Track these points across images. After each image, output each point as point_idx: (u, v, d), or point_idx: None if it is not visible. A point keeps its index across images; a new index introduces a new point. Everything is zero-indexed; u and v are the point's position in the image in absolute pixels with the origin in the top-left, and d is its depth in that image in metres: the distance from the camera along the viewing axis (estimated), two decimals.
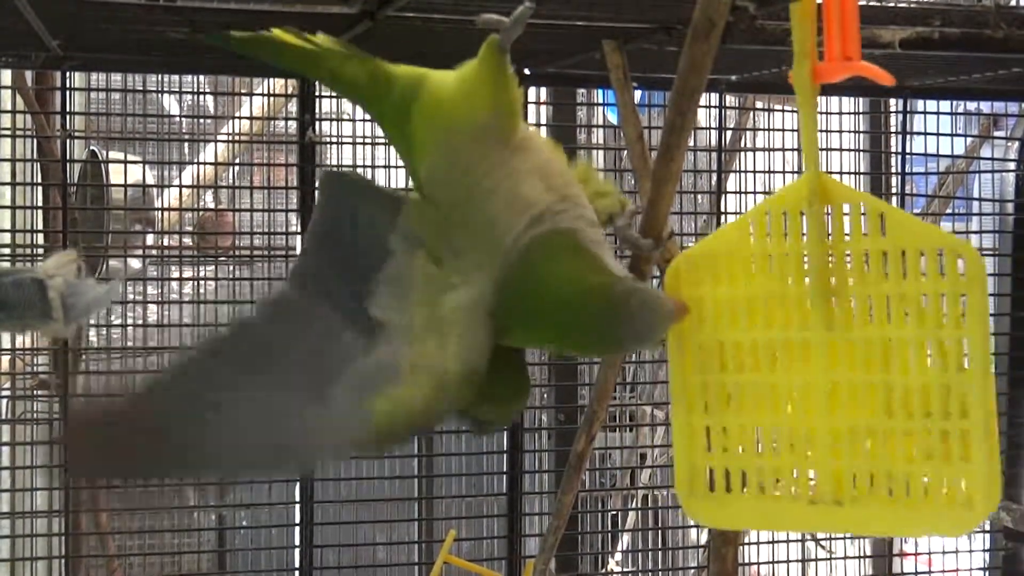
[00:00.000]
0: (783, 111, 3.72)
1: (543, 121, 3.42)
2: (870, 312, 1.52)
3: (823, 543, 3.77)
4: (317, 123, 2.86)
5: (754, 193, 3.49)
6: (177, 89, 4.72)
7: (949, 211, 3.94)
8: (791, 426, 1.55)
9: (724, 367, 1.57)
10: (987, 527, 3.54)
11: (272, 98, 4.44)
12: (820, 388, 1.54)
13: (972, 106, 3.81)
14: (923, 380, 1.50)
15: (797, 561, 3.72)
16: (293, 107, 3.19)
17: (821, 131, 3.31)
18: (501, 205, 1.54)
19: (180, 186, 4.61)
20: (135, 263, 3.36)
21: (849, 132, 3.54)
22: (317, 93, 2.89)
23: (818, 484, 1.55)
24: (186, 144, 5.05)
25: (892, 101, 3.49)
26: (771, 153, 3.68)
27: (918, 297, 1.49)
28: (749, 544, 3.56)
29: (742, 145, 4.05)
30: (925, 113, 3.40)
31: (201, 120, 5.20)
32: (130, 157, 3.81)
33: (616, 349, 1.67)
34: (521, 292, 1.54)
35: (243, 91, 4.21)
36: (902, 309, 1.49)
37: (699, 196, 3.63)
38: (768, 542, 3.67)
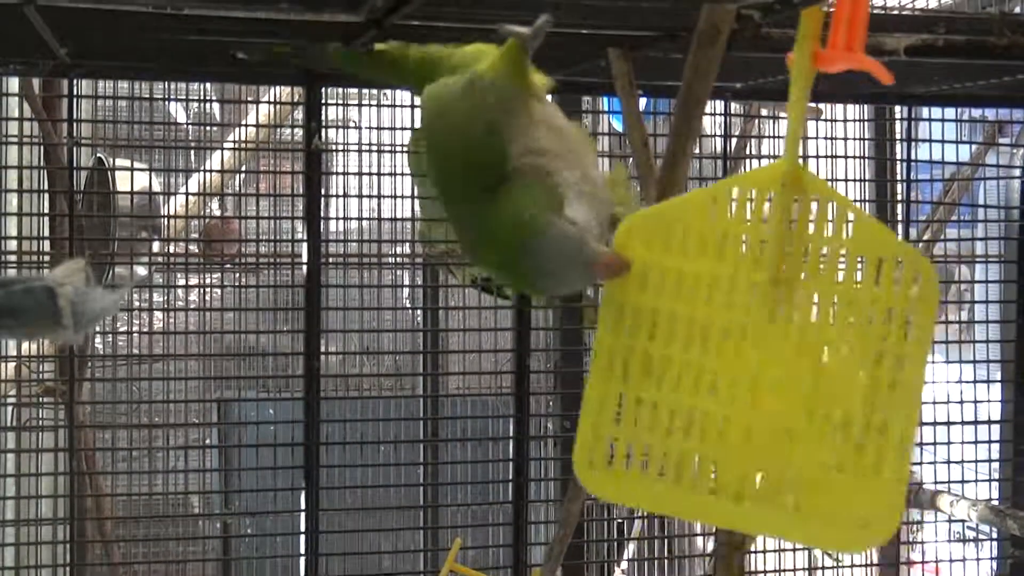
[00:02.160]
0: (786, 119, 3.71)
1: None
2: (814, 311, 1.49)
3: (830, 551, 3.77)
4: (323, 131, 2.86)
5: None
6: (184, 97, 4.72)
7: (954, 218, 3.94)
8: (708, 412, 1.51)
9: (653, 337, 1.52)
10: (995, 535, 3.54)
11: (278, 106, 4.45)
12: (746, 379, 1.50)
13: (977, 113, 3.81)
14: (852, 389, 1.47)
15: (804, 570, 3.72)
16: (299, 115, 3.19)
17: (827, 138, 3.33)
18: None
19: (186, 193, 4.62)
20: (141, 270, 3.36)
21: (854, 139, 3.54)
22: (323, 101, 2.89)
23: (723, 476, 1.51)
24: (192, 151, 5.06)
25: (897, 108, 3.49)
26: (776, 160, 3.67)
27: (866, 305, 1.47)
28: (756, 552, 3.55)
29: (747, 152, 4.05)
30: (930, 120, 3.40)
31: (207, 128, 5.21)
32: (136, 164, 3.82)
33: (528, 282, 1.65)
34: (481, 220, 1.57)
35: (250, 99, 4.22)
36: (847, 314, 1.47)
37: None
38: (775, 550, 3.67)
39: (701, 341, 1.50)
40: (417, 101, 3.26)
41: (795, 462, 1.49)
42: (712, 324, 1.50)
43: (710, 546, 4.26)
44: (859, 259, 1.48)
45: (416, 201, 3.61)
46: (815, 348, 1.48)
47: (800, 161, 1.53)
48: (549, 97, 1.74)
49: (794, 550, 3.63)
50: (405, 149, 3.59)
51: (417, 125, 3.47)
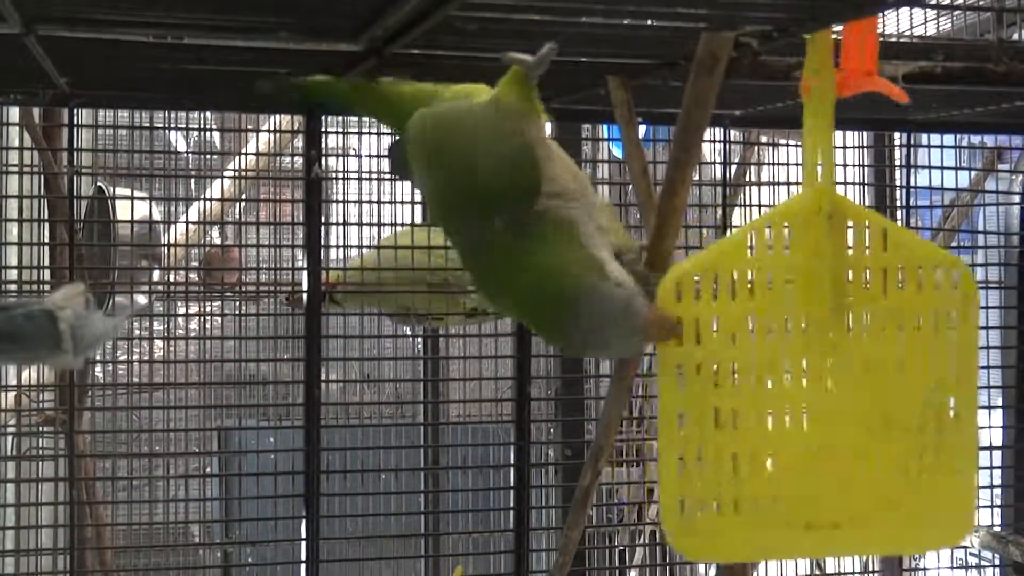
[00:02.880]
0: (788, 145, 3.72)
1: None
2: (865, 331, 1.52)
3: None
4: (323, 159, 2.86)
5: None
6: (184, 125, 4.74)
7: (954, 244, 3.94)
8: (784, 449, 1.53)
9: (717, 388, 1.52)
10: (997, 561, 3.53)
11: (278, 134, 4.46)
12: (815, 408, 1.53)
13: (976, 139, 3.81)
14: (915, 394, 1.52)
15: None
16: (299, 143, 3.20)
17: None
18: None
19: (186, 222, 4.63)
20: (141, 299, 3.36)
21: (853, 166, 3.54)
22: (323, 129, 2.89)
23: (814, 509, 1.53)
24: (192, 180, 5.08)
25: (896, 135, 3.50)
26: (776, 187, 3.68)
27: (913, 313, 1.51)
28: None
29: (747, 179, 4.05)
30: (929, 147, 3.40)
31: (207, 156, 5.22)
32: (137, 193, 3.82)
33: (572, 345, 1.64)
34: (513, 257, 1.55)
35: (249, 127, 4.23)
36: (897, 325, 1.51)
37: (704, 230, 3.62)
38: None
39: (764, 382, 1.52)
40: None
41: (879, 477, 1.54)
42: (772, 362, 1.52)
43: (712, 573, 4.25)
44: (900, 269, 1.53)
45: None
46: (877, 364, 1.52)
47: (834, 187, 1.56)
48: (548, 128, 1.74)
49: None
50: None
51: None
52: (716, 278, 1.53)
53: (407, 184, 3.58)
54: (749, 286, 1.52)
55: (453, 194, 1.67)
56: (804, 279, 1.51)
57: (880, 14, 3.02)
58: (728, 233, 3.23)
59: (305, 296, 2.88)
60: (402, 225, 3.43)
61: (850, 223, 1.53)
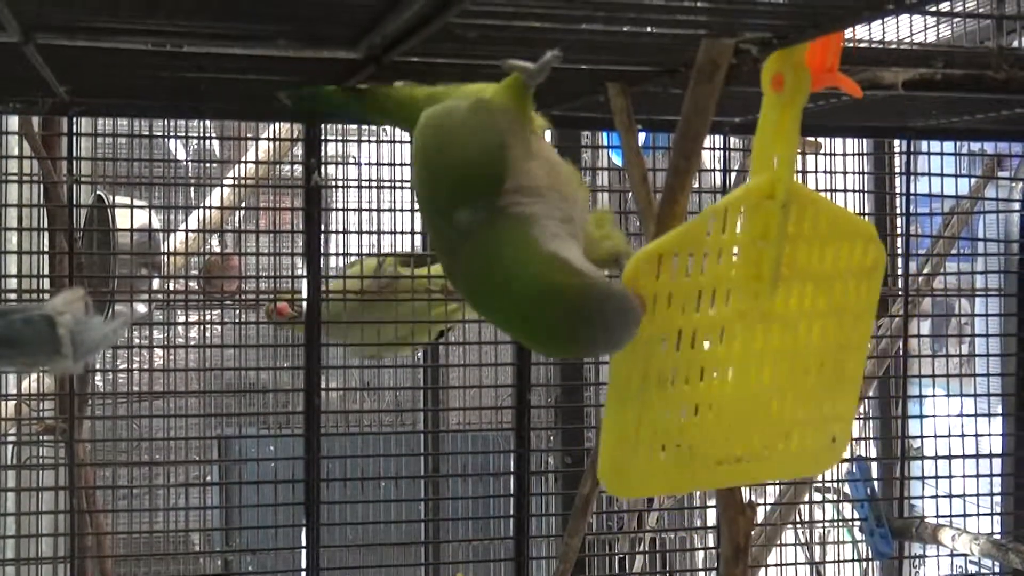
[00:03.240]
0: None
1: None
2: (791, 295, 1.68)
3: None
4: (323, 167, 2.86)
5: None
6: (183, 134, 4.74)
7: (954, 252, 3.94)
8: (710, 399, 1.67)
9: (663, 353, 1.63)
10: (997, 569, 3.52)
11: (278, 142, 4.46)
12: (739, 364, 1.67)
13: (976, 147, 3.82)
14: (822, 346, 1.71)
15: None
16: (299, 151, 3.19)
17: (826, 172, 3.34)
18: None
19: (186, 230, 4.63)
20: (141, 307, 3.37)
21: (853, 173, 3.54)
22: (323, 137, 2.89)
23: (729, 445, 1.72)
24: (192, 188, 5.07)
25: (896, 142, 3.50)
26: None
27: (833, 277, 1.68)
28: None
29: None
30: (929, 154, 3.40)
31: (207, 164, 5.22)
32: (136, 202, 3.82)
33: (580, 352, 1.67)
34: (477, 257, 1.55)
35: (249, 135, 4.23)
36: (817, 289, 1.68)
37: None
38: (776, 565, 3.67)
39: (700, 345, 1.64)
40: None
41: (784, 417, 1.74)
42: (710, 328, 1.64)
43: None
44: (827, 242, 1.68)
45: (416, 237, 3.62)
46: (795, 322, 1.69)
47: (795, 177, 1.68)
48: (547, 134, 1.74)
49: (795, 564, 3.63)
50: (405, 185, 3.60)
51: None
52: (675, 257, 1.60)
53: (406, 192, 3.59)
54: (701, 264, 1.62)
55: (428, 190, 1.67)
56: (750, 257, 1.62)
57: (880, 21, 3.03)
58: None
59: (305, 304, 2.88)
60: (401, 233, 3.43)
61: (795, 206, 1.64)
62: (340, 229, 3.67)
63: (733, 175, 3.57)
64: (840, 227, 1.68)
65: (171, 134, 4.36)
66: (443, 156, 1.64)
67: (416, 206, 3.39)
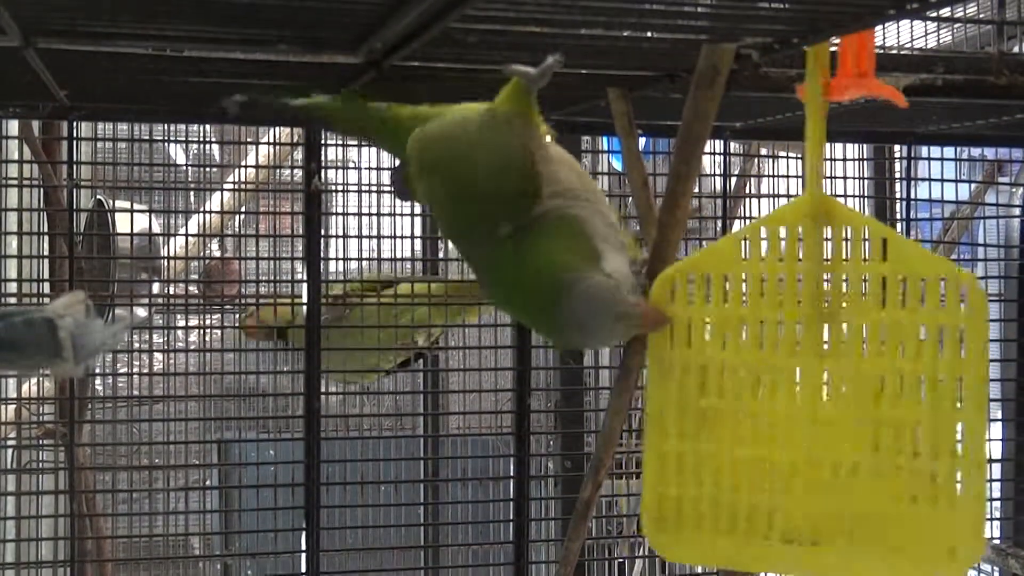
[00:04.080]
0: (788, 157, 3.72)
1: None
2: (863, 342, 1.47)
3: None
4: (323, 171, 2.86)
5: None
6: (183, 138, 4.74)
7: (954, 257, 3.94)
8: (770, 458, 1.50)
9: (705, 390, 1.52)
10: (997, 574, 3.52)
11: (278, 147, 4.46)
12: (804, 419, 1.48)
13: (976, 152, 3.81)
14: (914, 417, 1.44)
15: None
16: (299, 155, 3.19)
17: (827, 177, 3.33)
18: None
19: (186, 235, 4.62)
20: (141, 312, 3.36)
21: (853, 178, 3.54)
22: (323, 141, 2.89)
23: (795, 523, 1.50)
24: (192, 193, 5.07)
25: (896, 147, 3.50)
26: (776, 199, 3.68)
27: (915, 327, 1.45)
28: None
29: (747, 191, 4.05)
30: (929, 159, 3.40)
31: (207, 169, 5.22)
32: (136, 206, 3.82)
33: (558, 333, 1.64)
34: (515, 260, 1.55)
35: (249, 140, 4.22)
36: (897, 339, 1.45)
37: (705, 242, 3.62)
38: None
39: (752, 387, 1.50)
40: None
41: (867, 499, 1.46)
42: (761, 368, 1.50)
43: None
44: (901, 281, 1.46)
45: (416, 241, 3.62)
46: (871, 378, 1.46)
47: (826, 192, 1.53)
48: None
49: None
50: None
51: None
52: (709, 279, 1.53)
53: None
54: (742, 289, 1.52)
55: (456, 207, 1.68)
56: (792, 284, 1.50)
57: (881, 26, 3.03)
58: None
59: (305, 308, 2.88)
60: (401, 237, 3.43)
61: (847, 230, 1.51)
62: (340, 233, 3.67)
63: (733, 180, 3.57)
64: (917, 263, 1.46)
65: (171, 138, 4.37)
66: (472, 171, 1.64)
67: (416, 210, 3.39)
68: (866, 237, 1.50)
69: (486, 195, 1.62)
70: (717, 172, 3.35)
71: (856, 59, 1.60)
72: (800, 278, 1.50)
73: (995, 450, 3.43)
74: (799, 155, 3.54)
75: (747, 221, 3.63)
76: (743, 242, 1.55)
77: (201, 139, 3.82)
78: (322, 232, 2.92)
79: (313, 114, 2.22)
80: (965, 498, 1.43)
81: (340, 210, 3.71)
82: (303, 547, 2.93)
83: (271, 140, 4.32)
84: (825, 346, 1.48)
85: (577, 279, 1.49)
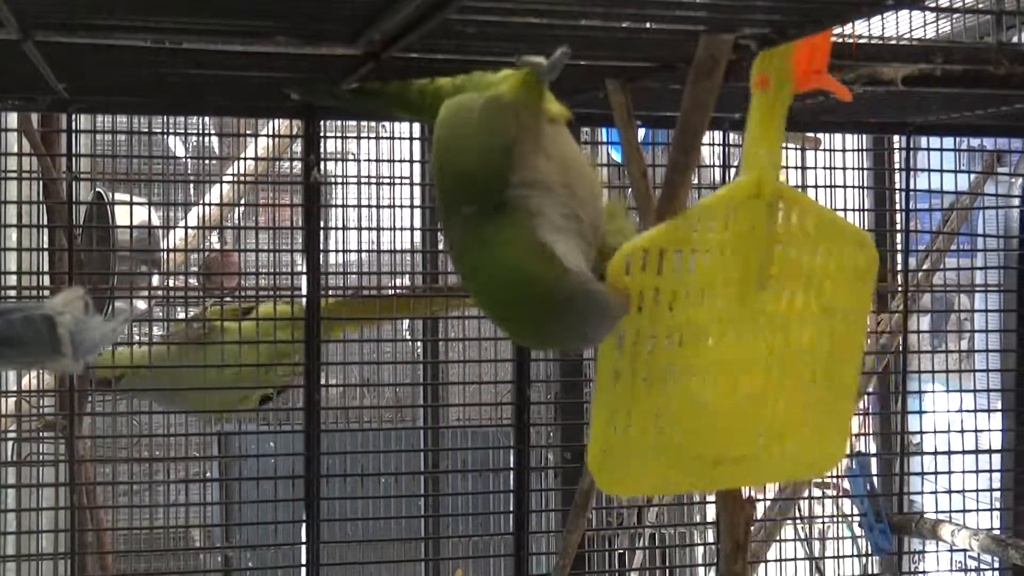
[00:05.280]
0: (786, 148, 3.72)
1: None
2: (781, 295, 1.69)
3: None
4: (322, 163, 2.86)
5: None
6: (182, 131, 4.74)
7: (953, 247, 3.94)
8: (703, 399, 1.69)
9: (651, 350, 1.64)
10: (996, 564, 3.52)
11: (277, 139, 4.46)
12: (731, 362, 1.68)
13: (975, 142, 3.81)
14: (814, 350, 1.72)
15: None
16: (298, 148, 3.20)
17: (826, 168, 3.34)
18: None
19: (185, 227, 4.62)
20: (141, 304, 3.36)
21: (853, 169, 3.54)
22: (322, 133, 2.89)
23: (723, 446, 1.73)
24: (191, 185, 5.07)
25: (895, 138, 3.50)
26: None
27: (823, 279, 1.69)
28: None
29: None
30: (929, 150, 3.40)
31: (206, 161, 5.22)
32: (135, 198, 3.82)
33: (554, 345, 1.71)
34: (473, 247, 1.56)
35: (248, 132, 4.22)
36: (807, 290, 1.69)
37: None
38: (775, 560, 3.67)
39: (692, 343, 1.66)
40: (416, 133, 3.28)
41: (779, 419, 1.73)
42: (699, 327, 1.66)
43: (711, 574, 4.25)
44: (818, 244, 1.69)
45: (415, 233, 3.62)
46: (787, 324, 1.70)
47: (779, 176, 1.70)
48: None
49: (794, 560, 3.64)
50: (404, 181, 3.60)
51: (416, 157, 3.48)
52: (662, 253, 1.62)
53: (406, 188, 3.59)
54: (689, 261, 1.64)
55: (440, 184, 1.68)
56: (738, 256, 1.64)
57: (879, 16, 3.03)
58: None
59: (304, 300, 2.88)
60: (400, 229, 3.43)
61: (781, 206, 1.67)
62: (339, 225, 3.68)
63: (732, 171, 3.57)
64: (829, 229, 1.70)
65: (170, 131, 4.37)
66: (452, 154, 1.66)
67: (415, 202, 3.39)
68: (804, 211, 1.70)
69: (456, 174, 1.63)
70: (716, 163, 3.35)
71: (812, 55, 1.69)
72: (740, 250, 1.66)
73: (995, 441, 3.44)
74: (798, 146, 3.54)
75: None
76: (695, 218, 1.64)
77: (200, 131, 3.82)
78: (321, 224, 2.93)
79: (337, 96, 2.22)
80: (843, 411, 1.79)
81: (339, 202, 3.71)
82: (303, 539, 2.93)
83: (270, 132, 4.32)
84: (754, 302, 1.68)
85: (572, 288, 1.49)
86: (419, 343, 5.02)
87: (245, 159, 4.70)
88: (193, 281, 4.26)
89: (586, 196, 1.62)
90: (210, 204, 4.64)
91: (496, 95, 1.66)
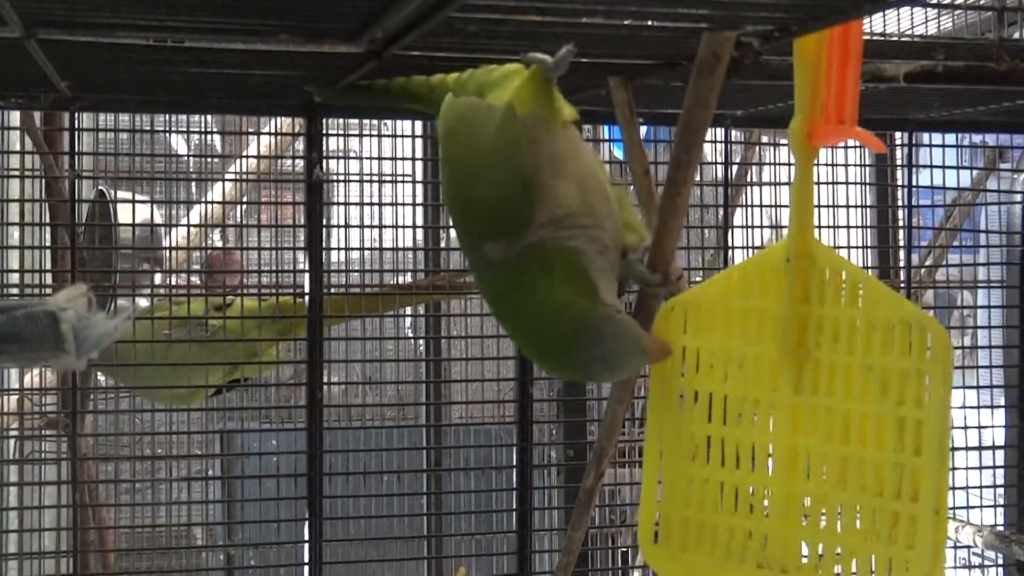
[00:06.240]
0: (789, 145, 3.72)
1: None
2: (834, 381, 1.53)
3: None
4: (324, 161, 2.86)
5: (761, 227, 3.49)
6: (184, 129, 4.74)
7: (956, 244, 3.94)
8: (751, 485, 1.58)
9: (699, 418, 1.59)
10: (1000, 561, 3.52)
11: (279, 136, 4.46)
12: (782, 451, 1.55)
13: (977, 138, 3.81)
14: (878, 457, 1.49)
15: None
16: (300, 145, 3.20)
17: (827, 165, 3.33)
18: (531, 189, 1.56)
19: (188, 225, 4.63)
20: (143, 302, 3.36)
21: (855, 166, 3.54)
22: (324, 131, 2.89)
23: (768, 549, 1.56)
24: (193, 183, 5.07)
25: (897, 134, 3.50)
26: (777, 187, 3.68)
27: (883, 371, 1.50)
28: None
29: (748, 179, 4.05)
30: (931, 146, 3.40)
31: (208, 159, 5.21)
32: (138, 197, 3.82)
33: (582, 375, 1.67)
34: (508, 289, 1.55)
35: (250, 130, 4.23)
36: (867, 381, 1.50)
37: (706, 231, 3.63)
38: None
39: (740, 418, 1.58)
40: (418, 131, 3.28)
41: (832, 532, 1.53)
42: (746, 401, 1.57)
43: None
44: (873, 326, 1.52)
45: (418, 231, 3.62)
46: (839, 416, 1.52)
47: (814, 235, 1.58)
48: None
49: None
50: (406, 179, 3.60)
51: (419, 155, 3.48)
52: (706, 313, 1.60)
53: (408, 187, 3.58)
54: (735, 323, 1.58)
55: (451, 205, 1.67)
56: (776, 324, 1.55)
57: (881, 13, 3.02)
58: (729, 235, 3.23)
59: (307, 298, 2.88)
60: (403, 227, 3.43)
61: (827, 271, 1.55)
62: (341, 223, 3.68)
63: (734, 168, 3.57)
64: (888, 308, 1.51)
65: (173, 129, 4.37)
66: (465, 181, 1.63)
67: (417, 200, 3.39)
68: (844, 281, 1.56)
69: (474, 213, 1.62)
70: (718, 160, 3.35)
71: (838, 106, 1.61)
72: (780, 317, 1.56)
73: (998, 437, 3.43)
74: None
75: (748, 209, 3.63)
76: (735, 278, 1.60)
77: (202, 129, 3.82)
78: (324, 222, 2.93)
79: (351, 93, 2.22)
80: (923, 540, 1.46)
81: (341, 200, 3.71)
82: (306, 537, 2.93)
83: (272, 130, 4.32)
84: (800, 383, 1.54)
85: (602, 319, 1.50)
86: (421, 340, 5.03)
87: (247, 157, 4.70)
88: (195, 279, 4.26)
89: (604, 211, 1.61)
90: (212, 202, 4.65)
91: (508, 113, 1.63)
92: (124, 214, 3.53)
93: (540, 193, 1.55)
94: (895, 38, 2.81)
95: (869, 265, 3.64)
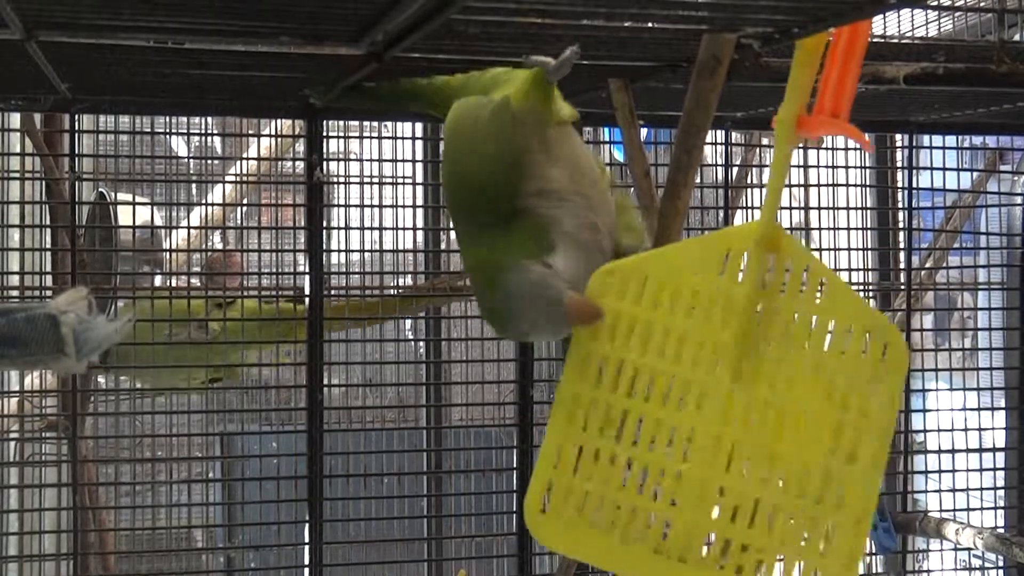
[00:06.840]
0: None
1: None
2: (777, 373, 1.47)
3: None
4: (324, 163, 2.86)
5: None
6: (185, 131, 4.73)
7: (956, 245, 3.94)
8: (663, 469, 1.49)
9: (616, 388, 1.52)
10: (1001, 563, 3.52)
11: (279, 139, 4.45)
12: (705, 438, 1.48)
13: (978, 140, 3.81)
14: (808, 459, 1.44)
15: None
16: (300, 147, 3.19)
17: (828, 167, 3.33)
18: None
19: (188, 227, 4.62)
20: (144, 304, 3.36)
21: (855, 167, 3.54)
22: (324, 133, 2.89)
23: (670, 536, 1.48)
24: (194, 185, 5.06)
25: (898, 136, 3.50)
26: None
27: (832, 373, 1.44)
28: None
29: (748, 181, 4.05)
30: (931, 148, 3.40)
31: (209, 161, 5.21)
32: (138, 199, 3.82)
33: (504, 328, 1.66)
34: (479, 255, 1.59)
35: (251, 132, 4.22)
36: (813, 382, 1.45)
37: (706, 232, 3.62)
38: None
39: (663, 396, 1.50)
40: (419, 133, 3.28)
41: (741, 528, 1.46)
42: (676, 380, 1.49)
43: None
44: (829, 325, 1.47)
45: (418, 233, 3.62)
46: (776, 414, 1.46)
47: (778, 222, 1.52)
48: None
49: None
50: (406, 181, 3.60)
51: (419, 157, 3.48)
52: (645, 283, 1.52)
53: (408, 188, 3.58)
54: (676, 299, 1.51)
55: (453, 190, 1.70)
56: (726, 305, 1.49)
57: (881, 15, 3.02)
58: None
59: (307, 300, 2.88)
60: (403, 229, 3.43)
61: (789, 263, 1.50)
62: (341, 225, 3.67)
63: (735, 169, 3.57)
64: (850, 310, 1.47)
65: (173, 131, 4.36)
66: (465, 164, 1.67)
67: (418, 202, 3.39)
68: (807, 276, 1.50)
69: (468, 184, 1.65)
70: (718, 162, 3.35)
71: (834, 100, 1.58)
72: (733, 301, 1.49)
73: (999, 439, 3.43)
74: (799, 144, 3.53)
75: (748, 211, 3.63)
76: (688, 253, 1.54)
77: (203, 131, 3.82)
78: (324, 224, 2.93)
79: (352, 95, 2.22)
80: (840, 550, 1.42)
81: (342, 202, 3.71)
82: (306, 539, 2.93)
83: (273, 132, 4.32)
84: (741, 372, 1.48)
85: (515, 267, 1.52)
86: (422, 343, 5.02)
87: (248, 159, 4.70)
88: (196, 281, 4.26)
89: (599, 201, 1.63)
90: (213, 204, 4.64)
91: (503, 103, 1.66)
92: (124, 216, 3.53)
93: (529, 169, 1.58)
94: (896, 40, 2.81)
95: (869, 267, 3.64)
